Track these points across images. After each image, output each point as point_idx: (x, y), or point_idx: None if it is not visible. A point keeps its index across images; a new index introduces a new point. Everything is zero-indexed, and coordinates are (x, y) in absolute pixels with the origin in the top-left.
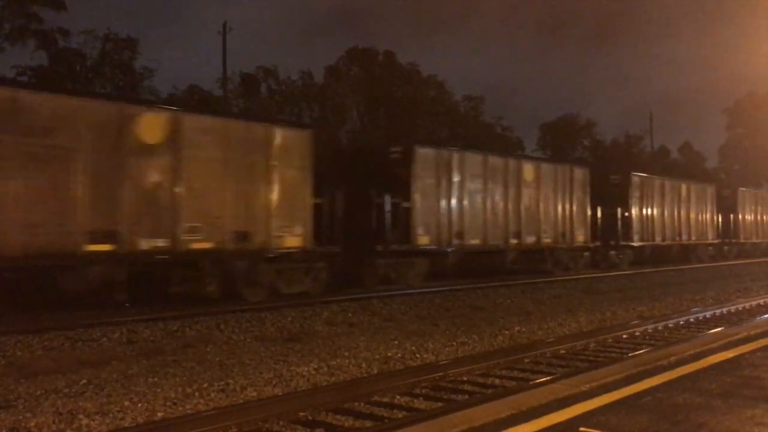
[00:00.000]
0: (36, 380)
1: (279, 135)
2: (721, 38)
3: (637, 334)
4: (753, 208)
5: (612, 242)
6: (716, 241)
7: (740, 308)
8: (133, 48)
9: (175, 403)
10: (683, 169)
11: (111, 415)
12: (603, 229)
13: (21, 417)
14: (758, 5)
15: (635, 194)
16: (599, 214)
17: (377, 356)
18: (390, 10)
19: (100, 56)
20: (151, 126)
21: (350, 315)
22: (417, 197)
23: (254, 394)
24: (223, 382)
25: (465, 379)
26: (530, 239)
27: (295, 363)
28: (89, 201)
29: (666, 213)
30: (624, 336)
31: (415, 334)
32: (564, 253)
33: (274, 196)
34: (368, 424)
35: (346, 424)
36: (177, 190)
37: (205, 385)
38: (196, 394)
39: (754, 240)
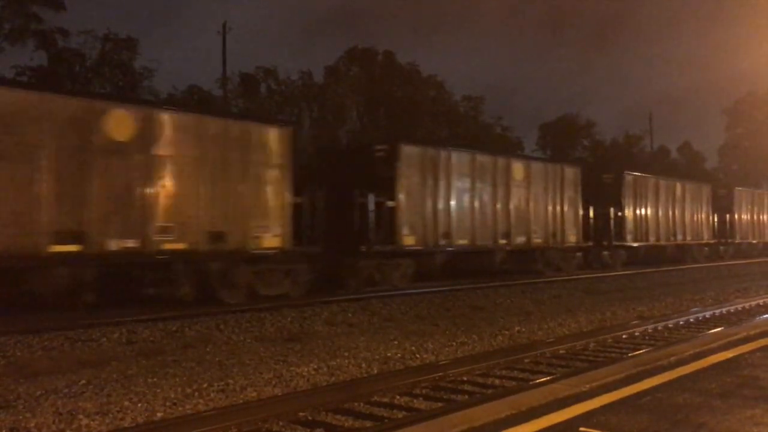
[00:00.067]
0: (36, 380)
1: (257, 132)
2: (721, 38)
3: (637, 334)
4: (749, 208)
5: (605, 242)
6: (712, 242)
7: (739, 308)
8: (133, 48)
9: (174, 404)
10: (683, 169)
11: (111, 415)
12: (596, 229)
13: (21, 417)
14: (758, 5)
15: (629, 193)
16: (592, 213)
17: (377, 356)
18: (390, 10)
19: (100, 56)
20: (121, 122)
21: (350, 315)
22: (402, 196)
23: (254, 394)
24: (222, 383)
25: (465, 379)
26: (520, 239)
27: (295, 363)
28: (55, 200)
29: (660, 212)
30: (624, 336)
31: (414, 334)
32: (555, 253)
33: (252, 195)
34: (368, 424)
35: (346, 424)
36: (148, 189)
37: (205, 385)
38: (196, 394)
39: (750, 240)
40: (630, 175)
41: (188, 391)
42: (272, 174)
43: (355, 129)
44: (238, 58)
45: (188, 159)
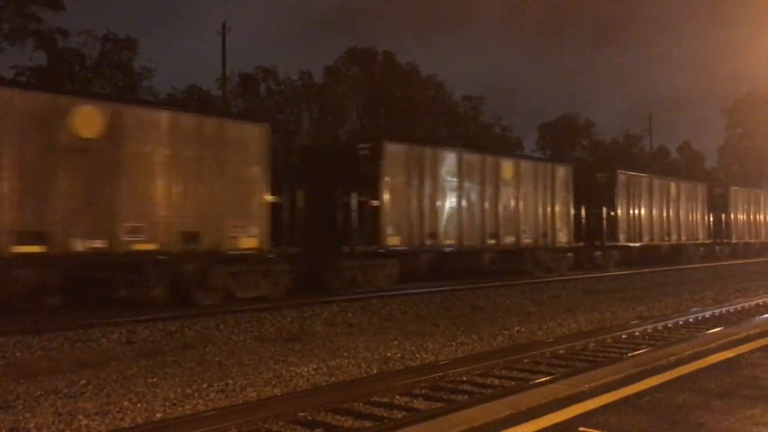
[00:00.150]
0: (35, 381)
1: (233, 129)
2: (720, 38)
3: (636, 334)
4: (746, 207)
5: (597, 242)
6: (707, 242)
7: (739, 308)
8: (133, 48)
9: (174, 404)
10: (682, 169)
11: (110, 415)
12: (588, 229)
13: (20, 417)
14: (758, 5)
15: (622, 193)
16: (583, 213)
17: (377, 356)
18: (390, 10)
19: (100, 56)
20: (87, 119)
21: (350, 315)
22: (386, 196)
23: (254, 394)
24: (222, 383)
25: (464, 379)
26: (509, 239)
27: (295, 363)
28: (17, 199)
29: (654, 212)
30: (623, 336)
31: (414, 334)
32: (545, 253)
33: (228, 194)
34: (368, 424)
35: (346, 425)
36: (117, 187)
37: (205, 385)
38: (196, 394)
39: (747, 240)
40: (623, 174)
41: (188, 391)
42: (249, 172)
43: (354, 129)
44: (237, 58)
45: (160, 156)
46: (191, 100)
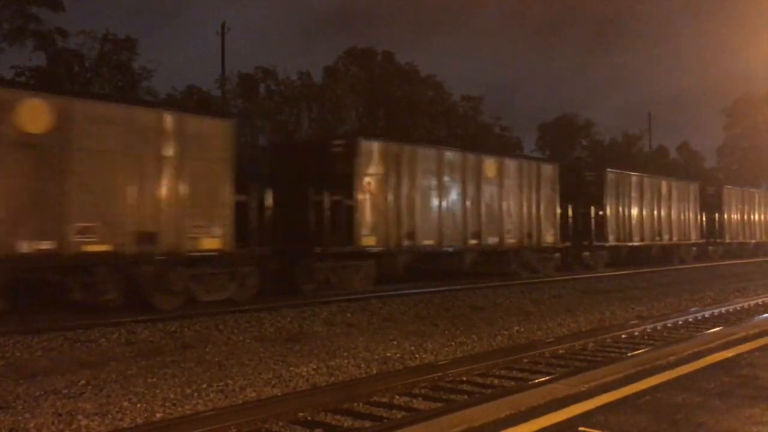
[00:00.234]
0: (35, 381)
1: (194, 124)
2: (720, 38)
3: (636, 333)
4: (740, 207)
5: (585, 243)
6: (700, 242)
7: (738, 308)
8: (132, 48)
9: (174, 404)
10: (681, 169)
11: (110, 415)
12: (576, 228)
13: (20, 418)
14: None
15: (611, 191)
16: (571, 213)
17: (376, 356)
18: (389, 10)
19: (99, 57)
20: (33, 113)
21: (349, 315)
22: (361, 195)
23: (253, 394)
24: (222, 383)
25: (464, 379)
26: (492, 240)
27: (294, 363)
28: None
29: (645, 212)
30: (623, 336)
31: (414, 335)
32: (531, 254)
33: (188, 192)
34: (367, 424)
35: (345, 425)
36: (67, 185)
37: (204, 385)
38: (195, 394)
39: (740, 240)
40: (612, 173)
41: (187, 391)
42: (212, 169)
43: (354, 129)
44: (237, 59)
45: (115, 153)
46: (191, 101)
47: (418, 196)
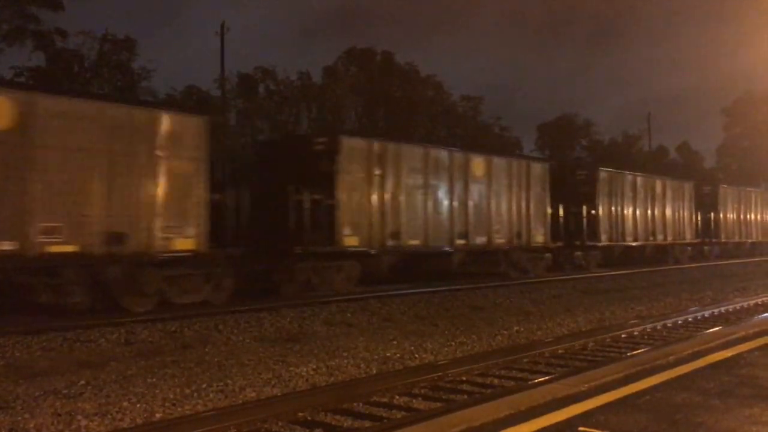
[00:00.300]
0: (35, 381)
1: (166, 121)
2: (720, 38)
3: (635, 333)
4: (736, 206)
5: (577, 242)
6: (695, 241)
7: (738, 308)
8: (132, 49)
9: (173, 404)
10: (681, 168)
11: (110, 416)
12: (568, 228)
13: (20, 418)
14: (758, 5)
15: (603, 191)
16: (562, 212)
17: (376, 356)
18: (389, 10)
19: (98, 57)
20: None
21: (349, 315)
22: (343, 194)
23: (253, 394)
24: (221, 383)
25: (464, 379)
26: (480, 240)
27: (294, 363)
28: None
29: (638, 211)
30: (623, 335)
31: (413, 334)
32: (520, 254)
33: (160, 191)
34: (367, 424)
35: (345, 425)
36: (30, 184)
37: (204, 385)
38: (195, 394)
39: (736, 239)
40: (605, 172)
41: (187, 391)
42: (185, 168)
43: (354, 129)
44: (236, 59)
45: (82, 150)
46: (190, 101)
47: (404, 195)
